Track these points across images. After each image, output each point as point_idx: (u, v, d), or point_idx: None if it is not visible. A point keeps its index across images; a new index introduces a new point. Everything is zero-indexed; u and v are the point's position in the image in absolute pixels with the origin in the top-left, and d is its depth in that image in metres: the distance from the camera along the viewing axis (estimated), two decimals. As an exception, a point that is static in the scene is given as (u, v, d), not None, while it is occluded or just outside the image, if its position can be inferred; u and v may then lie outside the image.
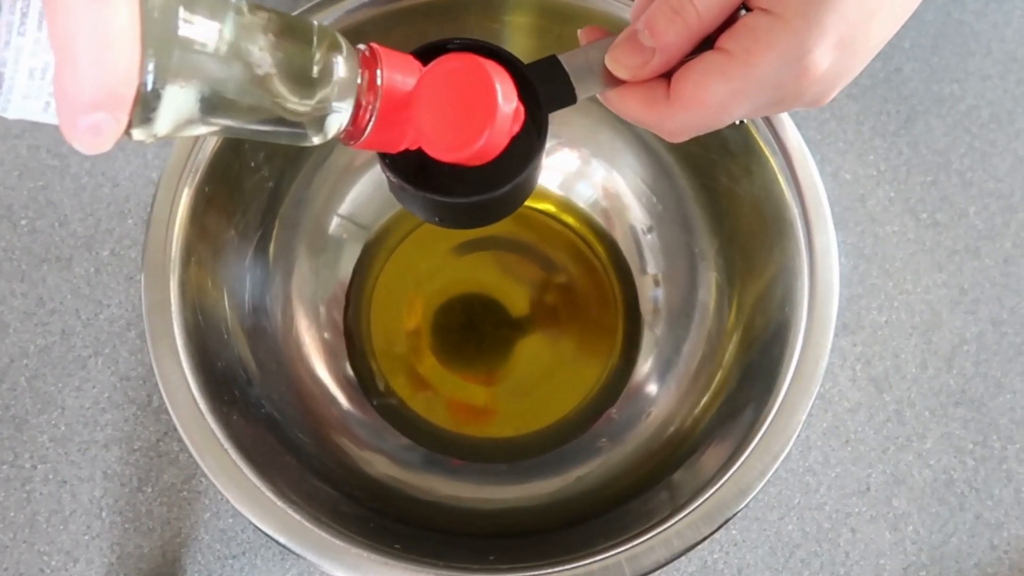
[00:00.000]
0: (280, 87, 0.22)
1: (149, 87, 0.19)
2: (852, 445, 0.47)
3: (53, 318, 0.47)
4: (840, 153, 0.53)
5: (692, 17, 0.23)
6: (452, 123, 0.23)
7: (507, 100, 0.23)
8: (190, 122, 0.21)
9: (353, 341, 0.45)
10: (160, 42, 0.19)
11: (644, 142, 0.44)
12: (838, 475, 0.47)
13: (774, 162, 0.36)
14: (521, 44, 0.41)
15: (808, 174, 0.36)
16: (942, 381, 0.49)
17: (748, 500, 0.32)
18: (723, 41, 0.24)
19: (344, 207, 0.45)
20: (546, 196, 0.47)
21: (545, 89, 0.26)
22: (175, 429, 0.33)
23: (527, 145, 0.26)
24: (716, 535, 0.33)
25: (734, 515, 0.32)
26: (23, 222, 0.49)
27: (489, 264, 0.48)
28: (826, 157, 0.52)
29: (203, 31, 0.20)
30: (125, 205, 0.49)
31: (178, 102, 0.20)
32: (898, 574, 0.46)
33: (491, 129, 0.23)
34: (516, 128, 0.24)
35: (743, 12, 0.24)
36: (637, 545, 0.32)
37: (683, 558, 0.32)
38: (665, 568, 0.32)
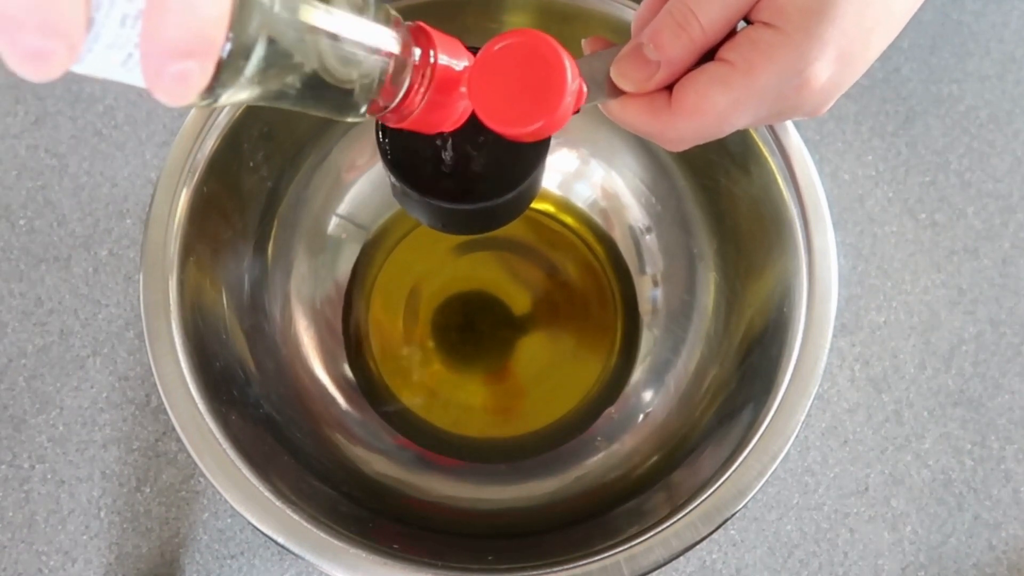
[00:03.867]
0: (342, 54, 0.22)
1: (236, 42, 0.19)
2: (851, 445, 0.47)
3: (51, 318, 0.47)
4: (839, 153, 0.53)
5: (696, 31, 0.24)
6: (517, 97, 0.24)
7: (574, 78, 0.24)
8: (258, 82, 0.21)
9: (351, 341, 0.45)
10: None
11: (643, 142, 0.44)
12: (837, 475, 0.47)
13: (773, 162, 0.37)
14: (520, 44, 0.41)
15: (807, 174, 0.36)
16: (940, 381, 0.49)
17: (747, 500, 0.32)
18: (724, 52, 0.24)
19: (343, 207, 0.45)
20: (545, 196, 0.47)
21: None
22: (173, 429, 0.33)
23: (530, 153, 0.26)
24: (715, 535, 0.33)
25: (733, 515, 0.32)
26: (21, 222, 0.49)
27: (487, 264, 0.48)
28: (825, 157, 0.52)
29: None
30: (124, 205, 0.49)
31: (261, 56, 0.20)
32: (896, 574, 0.46)
33: (558, 107, 0.23)
34: (577, 107, 0.25)
35: (743, 24, 0.24)
36: (635, 545, 0.32)
37: (682, 558, 0.32)
38: (664, 568, 0.32)
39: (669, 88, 0.25)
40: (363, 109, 0.24)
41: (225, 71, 0.19)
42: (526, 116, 0.24)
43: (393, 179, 0.27)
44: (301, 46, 0.21)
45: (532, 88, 0.23)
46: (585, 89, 0.25)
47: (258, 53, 0.20)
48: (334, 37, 0.22)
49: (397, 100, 0.24)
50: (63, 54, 0.17)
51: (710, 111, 0.24)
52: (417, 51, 0.23)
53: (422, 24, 0.24)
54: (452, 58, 0.24)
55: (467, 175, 0.26)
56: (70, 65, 0.17)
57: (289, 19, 0.20)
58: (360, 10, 0.22)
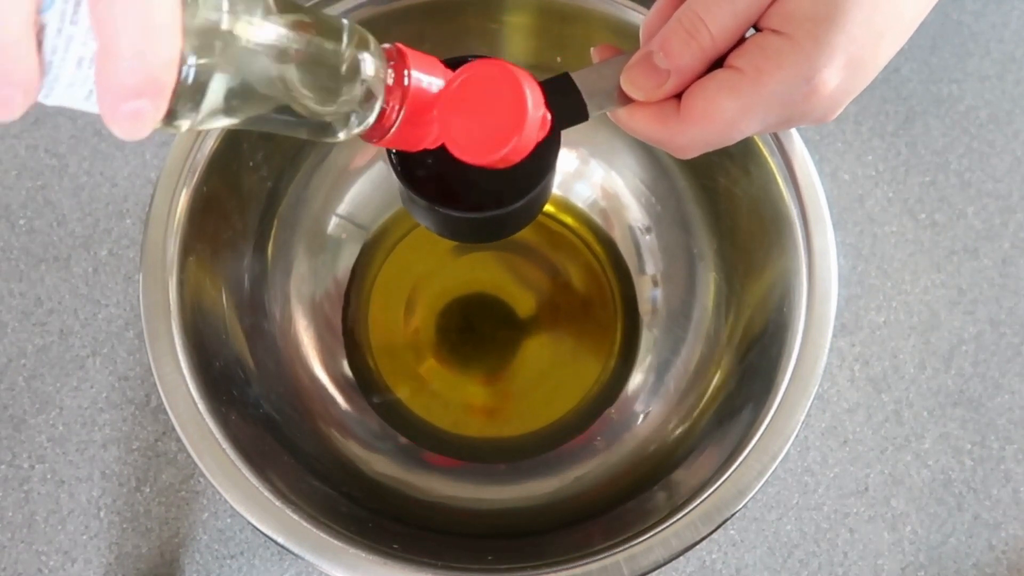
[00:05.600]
0: (312, 82, 0.22)
1: (192, 78, 0.20)
2: (850, 445, 0.47)
3: (51, 318, 0.47)
4: (839, 153, 0.53)
5: (706, 40, 0.24)
6: (480, 127, 0.24)
7: (536, 107, 0.24)
8: (227, 112, 0.21)
9: (351, 341, 0.45)
10: (203, 32, 0.19)
11: (643, 143, 0.44)
12: (836, 475, 0.47)
13: (772, 162, 0.37)
14: (520, 44, 0.41)
15: (807, 174, 0.36)
16: (940, 381, 0.49)
17: (746, 500, 0.32)
18: (733, 59, 0.24)
19: (343, 207, 0.45)
20: (545, 196, 0.47)
21: (558, 106, 0.26)
22: (173, 429, 0.33)
23: (540, 161, 0.26)
24: (714, 535, 0.33)
25: (732, 515, 0.32)
26: (21, 222, 0.49)
27: (487, 264, 0.48)
28: (824, 157, 0.52)
29: (244, 25, 0.20)
30: (123, 205, 0.49)
31: (218, 92, 0.20)
32: (896, 574, 0.46)
33: (519, 135, 0.23)
34: (542, 135, 0.25)
35: (752, 31, 0.24)
36: (635, 545, 0.32)
37: (681, 558, 0.32)
38: (663, 568, 0.32)
39: (678, 96, 0.25)
40: (341, 132, 0.24)
41: (181, 105, 0.20)
42: (488, 146, 0.24)
43: (401, 185, 0.27)
44: (264, 80, 0.21)
45: (494, 118, 0.24)
46: (550, 116, 0.25)
47: (215, 88, 0.20)
48: (301, 71, 0.22)
49: (371, 120, 0.24)
50: (20, 99, 0.18)
51: (719, 118, 0.24)
52: (391, 73, 0.24)
53: (399, 45, 0.24)
54: (428, 77, 0.24)
55: (476, 183, 0.26)
56: (29, 106, 0.18)
57: (249, 54, 0.20)
58: (330, 37, 0.22)
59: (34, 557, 0.44)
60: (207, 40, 0.19)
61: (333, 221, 0.45)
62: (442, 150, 0.27)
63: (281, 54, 0.21)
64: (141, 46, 0.18)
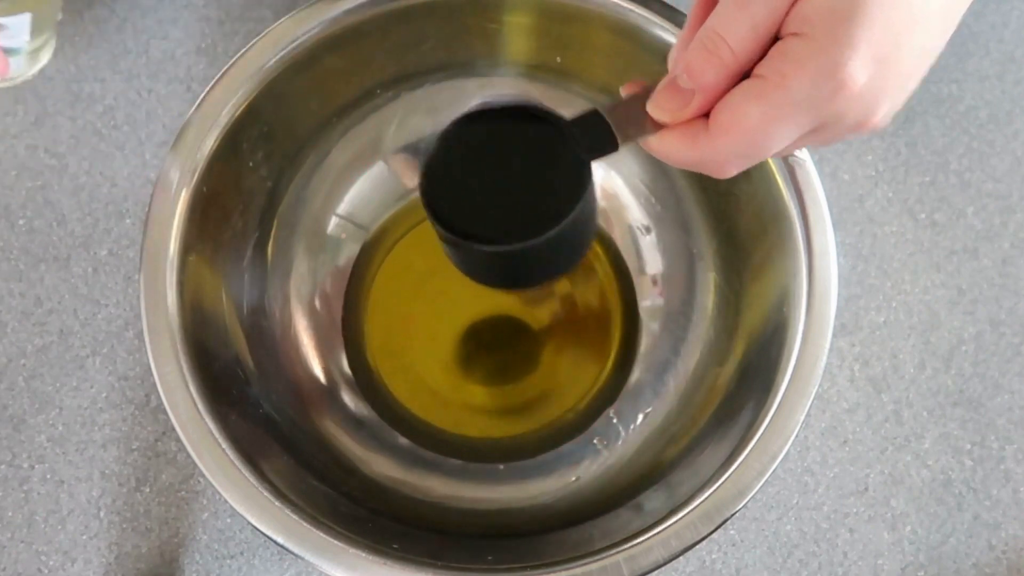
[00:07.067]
0: None
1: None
2: (850, 445, 0.47)
3: (51, 318, 0.47)
4: (838, 153, 0.53)
5: (727, 55, 0.24)
6: None
7: None
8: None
9: (351, 340, 0.45)
10: None
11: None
12: (836, 475, 0.47)
13: (772, 162, 0.37)
14: (520, 44, 0.41)
15: (806, 174, 0.36)
16: (940, 381, 0.49)
17: (746, 500, 0.32)
18: (758, 69, 0.24)
19: (342, 207, 0.45)
20: (545, 196, 0.47)
21: (587, 138, 0.26)
22: (173, 429, 0.33)
23: (568, 194, 0.26)
24: (714, 535, 0.33)
25: (732, 515, 0.32)
26: (21, 222, 0.49)
27: (488, 264, 0.48)
28: (824, 157, 0.52)
29: None
30: (123, 205, 0.49)
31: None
32: (896, 574, 0.46)
33: None
34: None
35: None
36: (635, 545, 0.32)
37: (681, 558, 0.32)
38: (663, 568, 0.32)
39: (707, 117, 0.25)
40: None
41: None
42: None
43: (432, 219, 0.27)
44: None
45: None
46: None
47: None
48: None
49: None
50: None
51: (746, 125, 0.24)
52: None
53: None
54: None
55: (502, 217, 0.27)
56: None
57: None
58: None
59: (34, 557, 0.44)
60: None
61: (333, 221, 0.45)
62: (475, 194, 0.26)
63: None
64: None
